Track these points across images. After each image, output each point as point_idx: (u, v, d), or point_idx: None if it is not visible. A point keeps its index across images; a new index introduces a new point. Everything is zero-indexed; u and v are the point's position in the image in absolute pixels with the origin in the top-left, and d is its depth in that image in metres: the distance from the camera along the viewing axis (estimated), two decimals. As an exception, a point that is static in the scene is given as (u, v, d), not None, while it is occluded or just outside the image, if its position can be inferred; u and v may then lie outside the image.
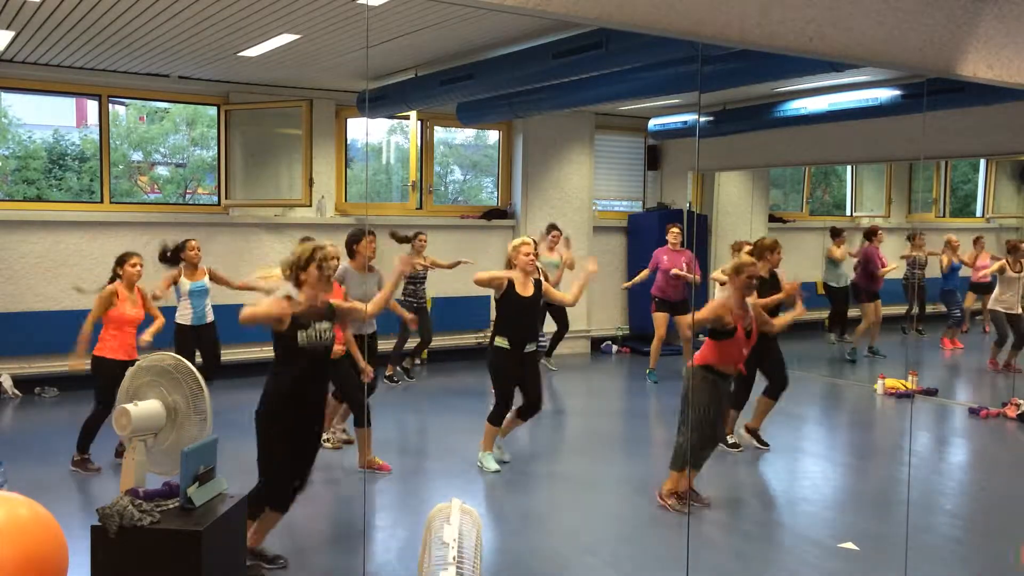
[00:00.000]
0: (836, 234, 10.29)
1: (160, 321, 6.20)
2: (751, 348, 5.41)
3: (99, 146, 8.60)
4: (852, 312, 10.26)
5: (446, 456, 6.36)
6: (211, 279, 7.07)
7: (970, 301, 10.11)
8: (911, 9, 4.01)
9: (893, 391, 8.44)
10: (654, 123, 10.75)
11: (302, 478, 4.28)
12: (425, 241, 8.71)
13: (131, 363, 5.47)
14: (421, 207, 10.09)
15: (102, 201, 8.60)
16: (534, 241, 6.10)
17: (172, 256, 6.92)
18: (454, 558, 1.89)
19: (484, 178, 12.70)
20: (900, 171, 11.38)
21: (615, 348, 10.98)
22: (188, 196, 12.94)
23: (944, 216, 11.28)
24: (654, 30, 3.35)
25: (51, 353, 8.04)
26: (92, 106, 8.94)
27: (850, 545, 4.68)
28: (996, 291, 9.05)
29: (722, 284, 7.23)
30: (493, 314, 6.06)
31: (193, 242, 6.99)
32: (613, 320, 11.25)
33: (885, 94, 7.67)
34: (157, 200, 12.62)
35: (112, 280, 5.96)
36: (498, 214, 10.57)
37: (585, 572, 4.38)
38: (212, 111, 9.45)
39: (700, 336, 5.76)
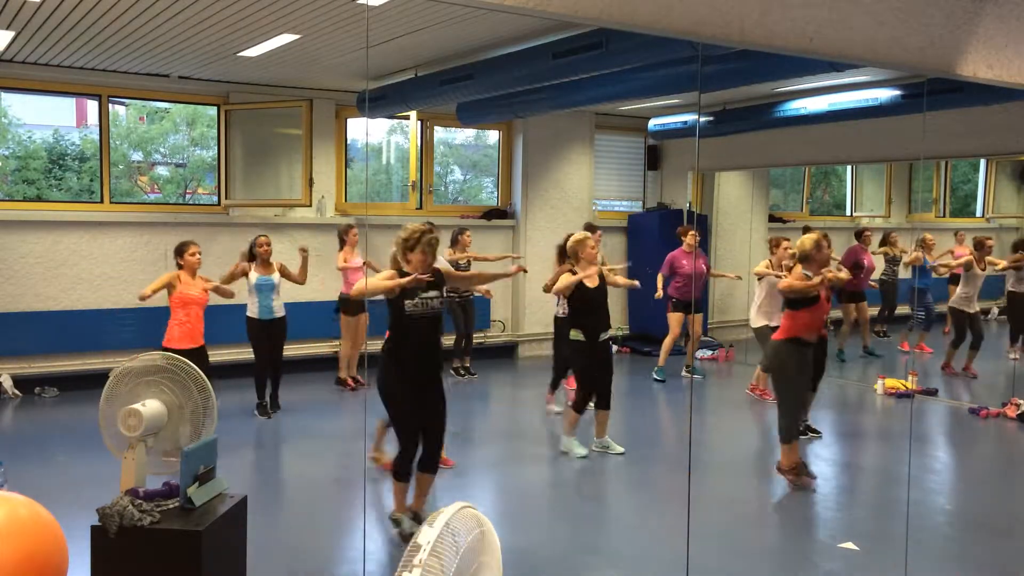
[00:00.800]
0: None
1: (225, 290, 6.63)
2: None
3: (99, 146, 8.60)
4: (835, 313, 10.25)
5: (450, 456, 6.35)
6: (281, 275, 7.35)
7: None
8: (911, 9, 4.01)
9: (893, 391, 8.45)
10: (654, 123, 10.75)
11: (437, 436, 4.65)
12: (469, 237, 8.96)
13: (197, 350, 6.02)
14: (421, 207, 10.09)
15: (102, 201, 8.60)
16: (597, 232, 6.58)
17: (250, 253, 7.33)
18: (421, 561, 1.86)
19: (484, 178, 12.70)
20: (900, 171, 11.37)
21: (615, 348, 10.96)
22: (188, 196, 12.94)
23: (944, 216, 11.28)
24: (654, 30, 3.35)
25: (51, 353, 8.06)
26: (92, 106, 8.94)
27: (850, 545, 4.68)
28: (959, 288, 8.82)
29: (760, 278, 7.68)
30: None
31: (263, 238, 7.36)
32: (613, 320, 11.19)
33: (885, 94, 7.67)
34: (157, 200, 12.62)
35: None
36: (498, 214, 10.57)
37: (585, 571, 4.38)
38: (212, 111, 9.46)
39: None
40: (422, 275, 4.42)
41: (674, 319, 8.89)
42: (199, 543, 3.27)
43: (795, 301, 5.56)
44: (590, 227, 9.22)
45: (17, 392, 7.90)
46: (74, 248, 8.24)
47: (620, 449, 6.37)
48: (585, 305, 6.11)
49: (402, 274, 4.49)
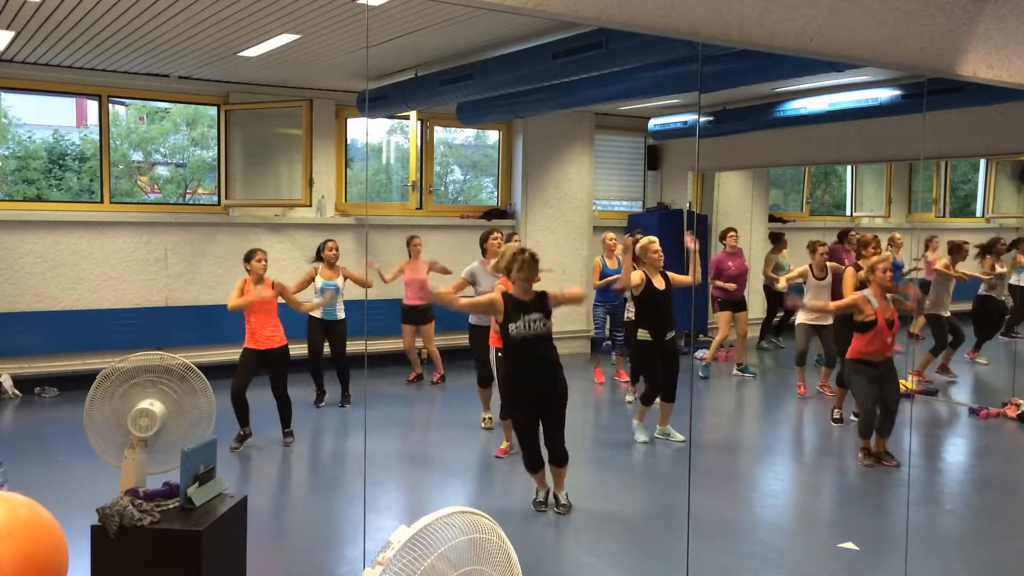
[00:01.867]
0: (776, 240, 10.29)
1: (313, 304, 7.11)
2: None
3: (99, 146, 8.60)
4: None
5: (449, 456, 6.36)
6: (345, 278, 7.62)
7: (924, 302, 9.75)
8: (911, 9, 4.01)
9: (893, 391, 8.42)
10: (654, 123, 10.75)
11: (549, 446, 5.11)
12: (501, 238, 8.90)
13: (265, 352, 6.32)
14: (421, 207, 10.09)
15: (102, 201, 8.60)
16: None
17: (317, 255, 7.65)
18: (385, 559, 1.85)
19: (484, 178, 12.69)
20: (900, 171, 11.36)
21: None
22: (188, 196, 12.94)
23: (944, 216, 11.27)
24: (654, 30, 3.35)
25: (51, 353, 8.06)
26: (92, 106, 8.94)
27: (850, 545, 4.68)
28: (930, 294, 8.50)
29: (804, 282, 7.99)
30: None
31: (331, 243, 7.65)
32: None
33: (885, 94, 7.67)
34: (157, 200, 12.61)
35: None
36: (498, 214, 10.57)
37: (585, 571, 4.38)
38: (212, 111, 9.45)
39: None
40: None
41: (722, 319, 9.09)
42: (199, 543, 3.27)
43: (859, 324, 6.00)
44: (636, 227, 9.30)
45: (17, 392, 7.90)
46: (74, 248, 8.24)
47: (680, 437, 6.69)
48: (653, 306, 6.41)
49: (506, 296, 4.92)
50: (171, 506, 3.45)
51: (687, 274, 7.54)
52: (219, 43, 6.78)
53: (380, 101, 8.28)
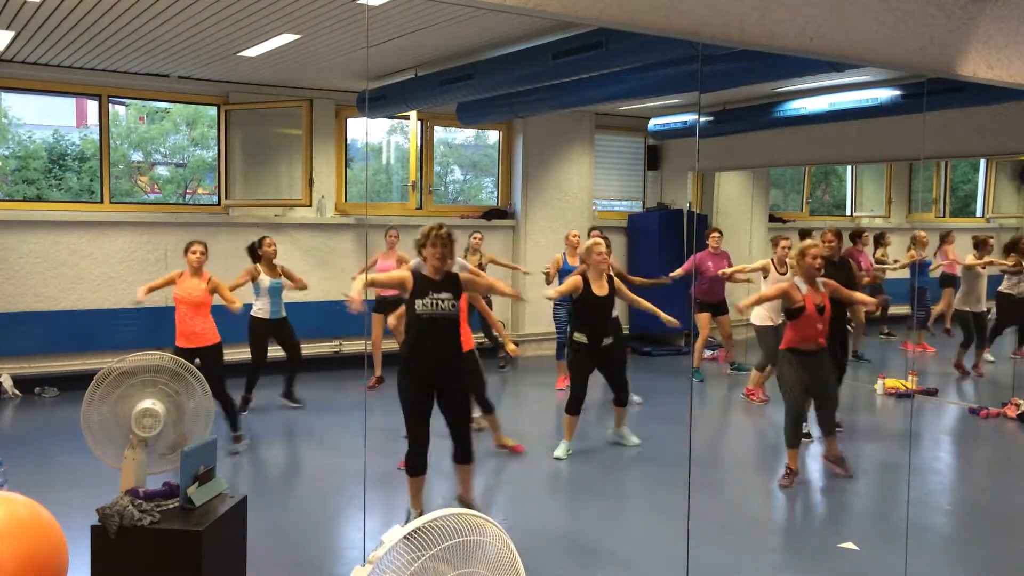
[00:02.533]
0: (804, 235, 10.25)
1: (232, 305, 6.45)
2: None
3: (99, 146, 8.60)
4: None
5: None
6: (285, 277, 7.43)
7: (948, 297, 9.90)
8: (911, 9, 4.01)
9: (893, 391, 8.45)
10: (654, 123, 10.75)
11: (456, 439, 4.77)
12: (480, 239, 8.98)
13: (190, 351, 6.03)
14: (421, 207, 10.09)
15: (102, 201, 8.60)
16: (606, 240, 6.44)
17: (252, 252, 7.35)
18: (375, 557, 1.85)
19: (484, 178, 12.69)
20: (900, 171, 11.36)
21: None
22: (188, 196, 12.94)
23: (944, 216, 11.27)
24: (654, 30, 3.35)
25: (51, 353, 8.06)
26: (92, 106, 8.94)
27: (850, 545, 4.68)
28: (961, 289, 8.82)
29: (765, 276, 7.79)
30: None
31: (268, 239, 7.40)
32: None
33: (885, 94, 7.66)
34: (157, 200, 12.61)
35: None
36: (498, 214, 10.57)
37: (585, 571, 4.38)
38: (212, 111, 9.45)
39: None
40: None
41: (702, 320, 9.01)
42: (199, 543, 3.27)
43: (788, 311, 5.67)
44: (593, 229, 9.28)
45: (17, 392, 7.90)
46: (74, 248, 8.24)
47: (636, 441, 6.55)
48: (589, 312, 6.21)
49: (416, 273, 4.64)
50: (171, 506, 3.45)
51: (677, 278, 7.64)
52: (219, 43, 6.78)
53: (380, 101, 8.28)
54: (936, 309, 9.99)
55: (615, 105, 10.10)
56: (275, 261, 7.39)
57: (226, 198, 9.05)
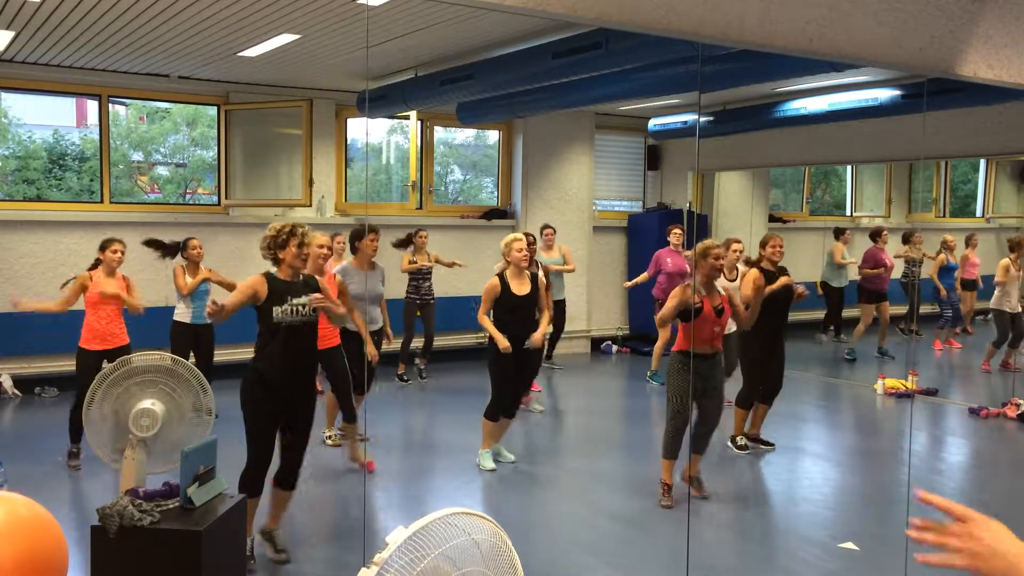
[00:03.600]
0: (839, 234, 10.28)
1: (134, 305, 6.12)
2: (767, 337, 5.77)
3: (99, 146, 8.60)
4: (851, 312, 10.26)
5: (448, 455, 6.36)
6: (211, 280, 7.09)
7: (970, 300, 10.07)
8: (911, 9, 4.01)
9: (893, 391, 8.45)
10: (654, 123, 10.75)
11: (288, 461, 4.30)
12: (426, 238, 8.73)
13: (109, 352, 5.72)
14: (421, 207, 10.09)
15: (102, 201, 8.60)
16: (532, 237, 6.05)
17: (171, 249, 6.96)
18: (380, 559, 1.85)
19: (484, 178, 12.69)
20: (900, 171, 11.37)
21: (615, 348, 10.99)
22: (188, 196, 12.93)
23: (944, 216, 11.29)
24: (654, 30, 3.35)
25: (51, 353, 8.05)
26: (92, 106, 8.94)
27: (850, 545, 4.68)
28: (997, 289, 8.98)
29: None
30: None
31: (195, 241, 7.00)
32: (613, 320, 11.25)
33: (885, 94, 7.67)
34: (157, 200, 12.61)
35: (94, 266, 6.10)
36: (498, 214, 10.57)
37: (585, 571, 4.38)
38: (212, 111, 9.46)
39: None
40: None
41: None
42: (199, 543, 3.27)
43: (682, 312, 5.18)
44: (545, 226, 9.14)
45: (17, 392, 7.90)
46: (74, 248, 8.24)
47: (512, 457, 6.10)
48: (507, 311, 5.74)
49: (270, 277, 4.17)
50: (171, 506, 3.45)
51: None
52: (219, 43, 6.78)
53: (380, 101, 8.28)
54: (963, 310, 10.13)
55: (615, 105, 10.11)
56: (201, 264, 6.95)
57: (226, 198, 9.05)
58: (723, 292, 5.39)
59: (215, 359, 7.13)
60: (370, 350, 5.88)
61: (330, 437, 6.38)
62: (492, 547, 2.04)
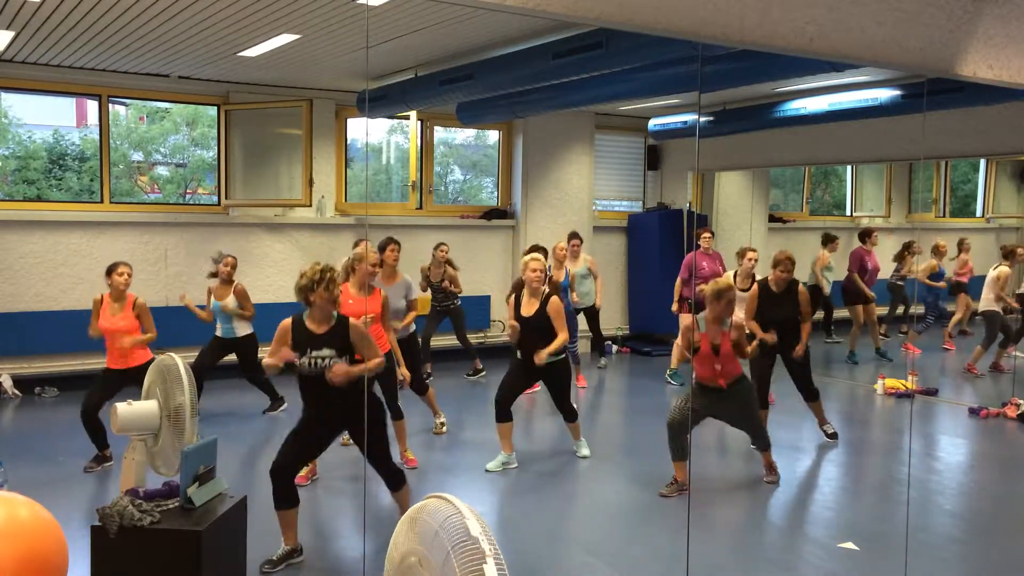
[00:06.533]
0: (828, 241, 10.26)
1: (146, 336, 5.92)
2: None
3: (99, 146, 8.60)
4: (843, 312, 10.28)
5: (447, 454, 6.36)
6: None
7: (965, 302, 10.02)
8: (911, 9, 4.01)
9: (893, 391, 8.45)
10: (654, 123, 10.75)
11: (376, 468, 4.57)
12: (447, 250, 8.73)
13: (122, 372, 5.72)
14: (421, 207, 10.09)
15: (102, 201, 8.60)
16: (545, 253, 6.14)
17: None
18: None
19: (484, 178, 12.69)
20: (900, 171, 11.37)
21: (615, 348, 10.99)
22: (188, 196, 12.94)
23: (944, 216, 11.28)
24: (654, 30, 3.35)
25: (51, 353, 8.06)
26: (92, 106, 8.94)
27: (850, 545, 4.68)
28: (985, 292, 8.93)
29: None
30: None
31: (230, 258, 7.24)
32: (613, 320, 11.24)
33: (885, 94, 7.67)
34: (157, 200, 12.61)
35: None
36: (498, 214, 10.57)
37: (585, 571, 4.38)
38: (212, 111, 9.46)
39: None
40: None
41: (686, 320, 8.82)
42: (199, 543, 3.27)
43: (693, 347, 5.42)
44: (573, 235, 9.01)
45: (17, 392, 7.90)
46: (74, 248, 8.24)
47: (587, 452, 6.34)
48: (520, 331, 5.90)
49: (296, 324, 4.31)
50: (171, 506, 3.45)
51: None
52: (219, 43, 6.78)
53: (380, 101, 8.28)
54: (956, 318, 10.10)
55: (615, 105, 10.11)
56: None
57: (226, 198, 9.05)
58: (729, 327, 5.50)
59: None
60: (403, 371, 5.94)
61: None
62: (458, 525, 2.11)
